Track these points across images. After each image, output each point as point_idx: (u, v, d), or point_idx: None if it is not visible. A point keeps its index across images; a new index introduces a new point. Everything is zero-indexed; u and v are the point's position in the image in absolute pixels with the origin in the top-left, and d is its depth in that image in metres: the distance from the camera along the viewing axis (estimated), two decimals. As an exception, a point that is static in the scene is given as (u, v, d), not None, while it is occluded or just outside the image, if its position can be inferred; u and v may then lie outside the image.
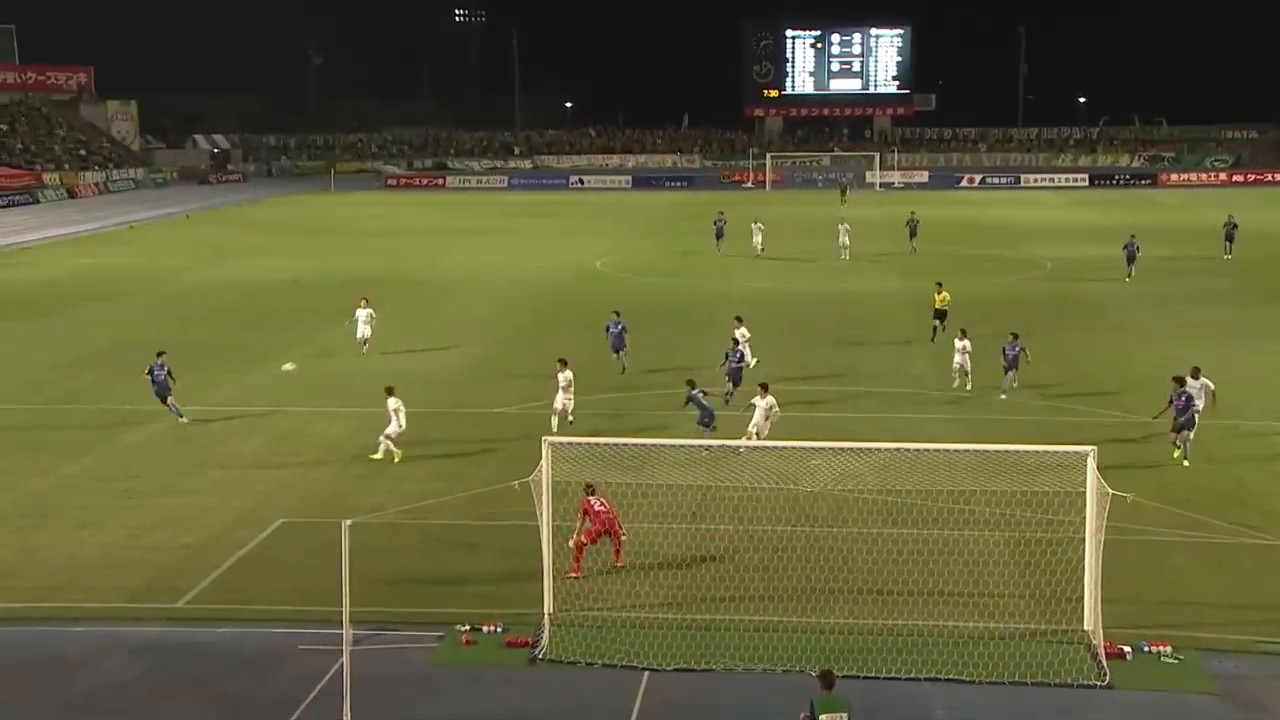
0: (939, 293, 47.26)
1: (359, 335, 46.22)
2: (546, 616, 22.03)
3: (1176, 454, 31.42)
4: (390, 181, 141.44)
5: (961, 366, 38.93)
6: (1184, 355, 45.12)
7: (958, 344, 39.39)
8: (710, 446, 27.17)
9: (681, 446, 27.76)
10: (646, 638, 21.47)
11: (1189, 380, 32.96)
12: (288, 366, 43.53)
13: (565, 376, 34.58)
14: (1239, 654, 21.16)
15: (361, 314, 46.59)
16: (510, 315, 55.02)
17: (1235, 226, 71.57)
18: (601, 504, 24.63)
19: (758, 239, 72.86)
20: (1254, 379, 41.66)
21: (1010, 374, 38.01)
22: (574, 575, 23.89)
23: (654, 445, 27.24)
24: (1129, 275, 61.81)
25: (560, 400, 34.46)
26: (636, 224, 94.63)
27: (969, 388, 38.51)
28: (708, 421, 31.51)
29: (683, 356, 44.70)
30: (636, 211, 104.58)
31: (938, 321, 47.11)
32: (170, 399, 36.41)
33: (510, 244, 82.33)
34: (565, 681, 20.48)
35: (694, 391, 32.24)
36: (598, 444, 26.86)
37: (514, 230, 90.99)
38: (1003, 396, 37.45)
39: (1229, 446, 33.76)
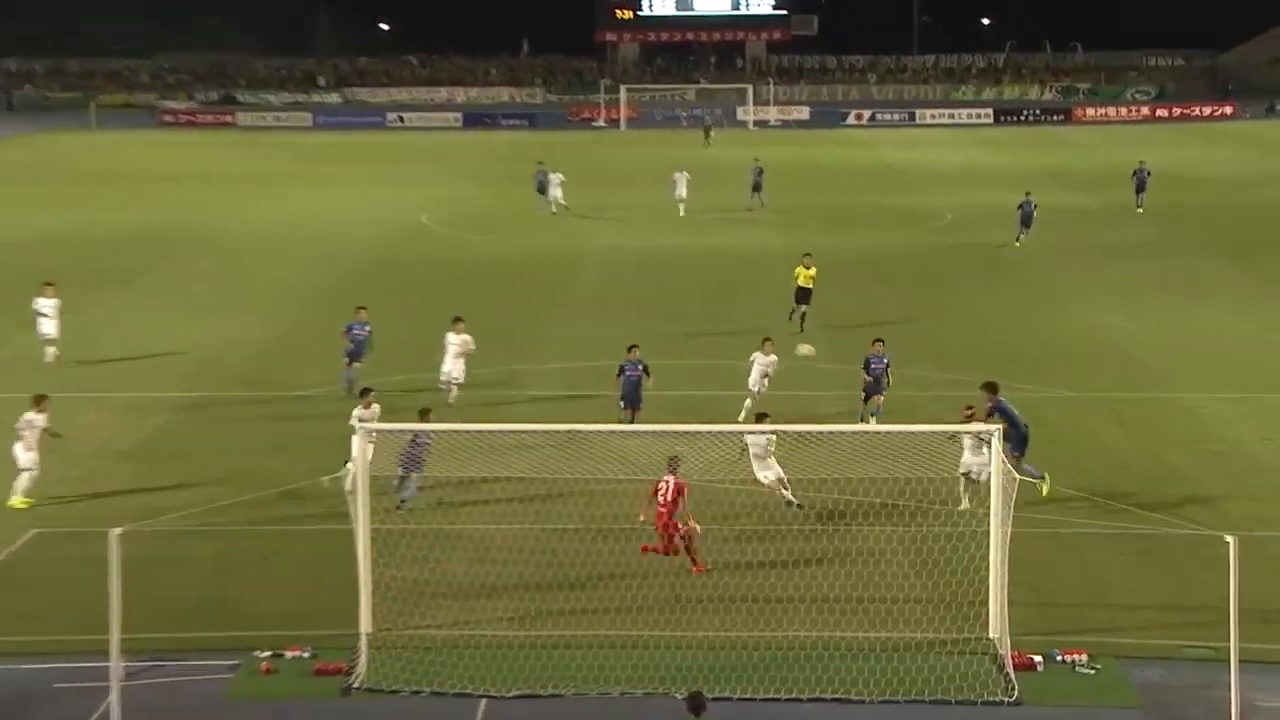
0: (806, 268, 44.52)
1: (42, 333, 40.55)
2: (364, 638, 21.88)
3: (1044, 488, 27.42)
4: (168, 118, 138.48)
5: (758, 391, 33.88)
6: (1102, 319, 46.48)
7: (760, 359, 34.09)
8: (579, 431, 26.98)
9: (525, 433, 27.77)
10: (483, 660, 21.47)
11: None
12: (804, 350, 35.83)
13: (369, 413, 28.55)
14: (1164, 661, 21.81)
15: (45, 305, 40.68)
16: (317, 280, 54.39)
17: (1148, 174, 72.25)
18: (669, 488, 24.77)
19: (556, 192, 72.29)
20: (1181, 345, 43.09)
21: (873, 398, 33.37)
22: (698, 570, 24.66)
23: (492, 431, 27.21)
24: (1019, 239, 60.78)
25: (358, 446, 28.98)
26: (468, 170, 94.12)
27: (741, 418, 33.03)
28: (403, 477, 27.19)
29: (521, 339, 44.69)
30: (468, 155, 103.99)
31: (801, 306, 44.09)
32: None
33: (317, 194, 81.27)
34: (386, 713, 20.38)
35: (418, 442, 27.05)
36: (425, 431, 26.76)
37: (321, 178, 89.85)
38: (872, 421, 32.39)
39: (1153, 423, 34.88)
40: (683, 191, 70.87)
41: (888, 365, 33.40)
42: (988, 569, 22.35)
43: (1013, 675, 21.08)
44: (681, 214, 69.73)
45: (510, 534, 26.40)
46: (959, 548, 24.38)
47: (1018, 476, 22.32)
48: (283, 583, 24.83)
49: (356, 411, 28.69)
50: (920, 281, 53.90)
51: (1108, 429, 34.26)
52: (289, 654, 21.81)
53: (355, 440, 27.50)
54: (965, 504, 27.06)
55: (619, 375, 32.74)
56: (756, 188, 73.28)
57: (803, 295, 44.47)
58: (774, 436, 27.34)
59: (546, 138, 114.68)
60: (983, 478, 26.31)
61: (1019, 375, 38.58)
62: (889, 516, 27.07)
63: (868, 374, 33.36)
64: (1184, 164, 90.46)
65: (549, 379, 39.05)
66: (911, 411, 33.44)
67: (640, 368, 32.74)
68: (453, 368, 35.80)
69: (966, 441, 27.08)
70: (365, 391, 29.90)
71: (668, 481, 25.01)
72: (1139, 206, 71.18)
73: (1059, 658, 21.70)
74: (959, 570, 23.72)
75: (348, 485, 24.09)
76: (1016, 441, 27.16)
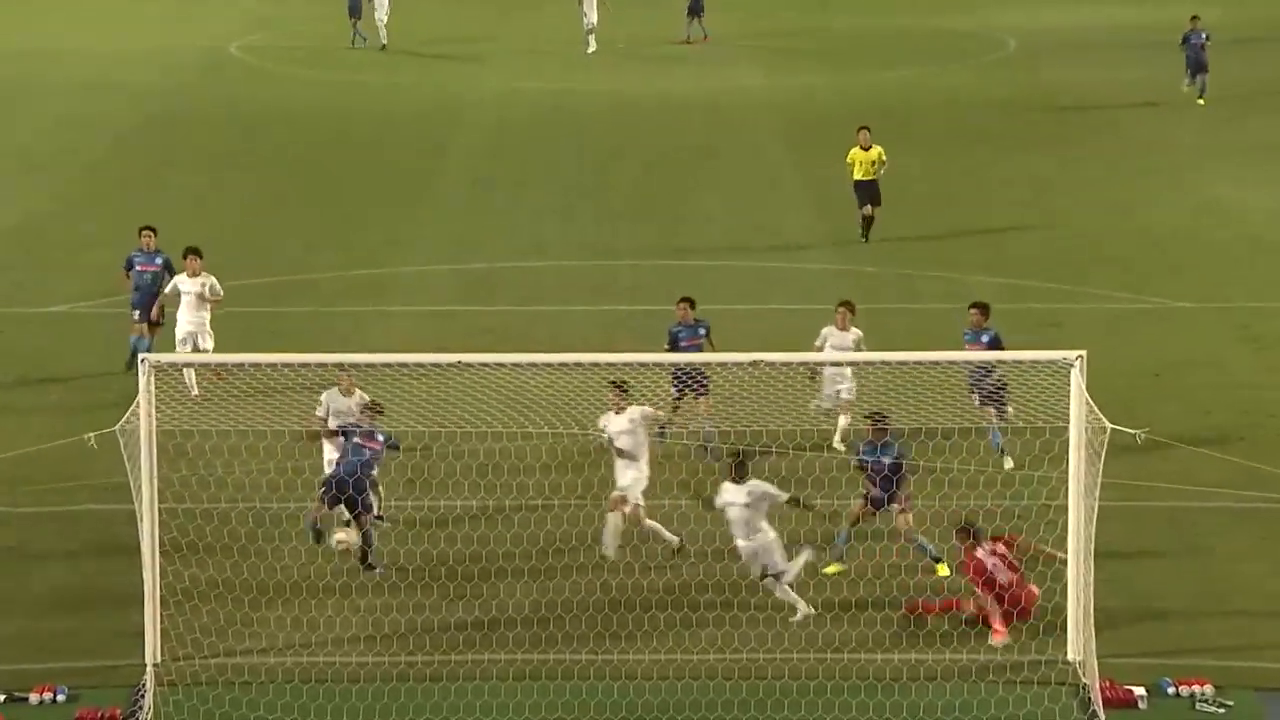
0: (864, 148, 42.41)
1: None
2: (150, 670, 21.76)
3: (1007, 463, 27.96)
4: None
5: (836, 395, 30.11)
6: (1233, 197, 46.53)
7: (835, 337, 30.28)
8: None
9: (389, 366, 27.57)
10: (328, 699, 21.40)
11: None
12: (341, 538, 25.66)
13: (350, 402, 27.08)
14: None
15: None
16: (77, 143, 54.06)
17: None
18: (996, 555, 23.33)
19: (381, 15, 70.96)
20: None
21: (997, 413, 29.15)
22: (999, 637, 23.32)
23: (341, 364, 26.93)
24: (1201, 95, 59.27)
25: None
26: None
27: (838, 444, 29.88)
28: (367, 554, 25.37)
29: (379, 232, 44.51)
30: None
31: (867, 209, 42.19)
32: None
33: (73, 11, 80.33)
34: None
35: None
36: (242, 362, 26.60)
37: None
38: (1007, 465, 28.42)
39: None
40: (591, 16, 70.21)
41: (995, 344, 29.29)
42: (1064, 562, 22.42)
43: (1102, 715, 21.07)
44: (591, 49, 69.14)
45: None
46: (1022, 530, 24.41)
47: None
48: (27, 591, 24.55)
49: (327, 399, 27.05)
50: (966, 144, 53.80)
51: (1238, 355, 34.42)
52: (34, 696, 21.55)
53: (327, 450, 26.54)
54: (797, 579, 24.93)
55: (670, 346, 30.26)
56: (695, 10, 72.55)
57: (867, 192, 42.40)
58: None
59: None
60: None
61: (1110, 279, 38.72)
62: (921, 483, 27.05)
63: (973, 371, 29.15)
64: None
65: (420, 287, 39.02)
66: (947, 331, 33.41)
67: (702, 332, 30.33)
68: (196, 329, 32.61)
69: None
70: (347, 368, 27.35)
71: (984, 555, 23.39)
72: None
73: (1171, 689, 21.68)
74: (1023, 563, 23.73)
75: (337, 540, 24.19)
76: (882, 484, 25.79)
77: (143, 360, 22.19)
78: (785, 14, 76.79)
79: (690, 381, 28.98)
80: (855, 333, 30.09)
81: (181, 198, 44.95)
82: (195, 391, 30.31)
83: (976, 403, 29.01)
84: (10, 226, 44.42)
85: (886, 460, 25.14)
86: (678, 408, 29.31)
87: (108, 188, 47.82)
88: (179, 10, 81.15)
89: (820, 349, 29.96)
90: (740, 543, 24.24)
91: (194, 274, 33.01)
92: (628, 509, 25.53)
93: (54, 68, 66.56)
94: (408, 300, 37.86)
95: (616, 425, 26.11)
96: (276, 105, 60.17)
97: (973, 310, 29.93)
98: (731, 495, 24.16)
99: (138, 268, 34.16)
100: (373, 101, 60.74)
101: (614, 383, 26.48)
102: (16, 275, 39.98)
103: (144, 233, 34.87)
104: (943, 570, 24.89)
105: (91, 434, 22.26)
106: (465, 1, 79.98)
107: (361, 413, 25.92)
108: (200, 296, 32.84)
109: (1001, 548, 23.37)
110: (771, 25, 74.51)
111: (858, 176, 42.10)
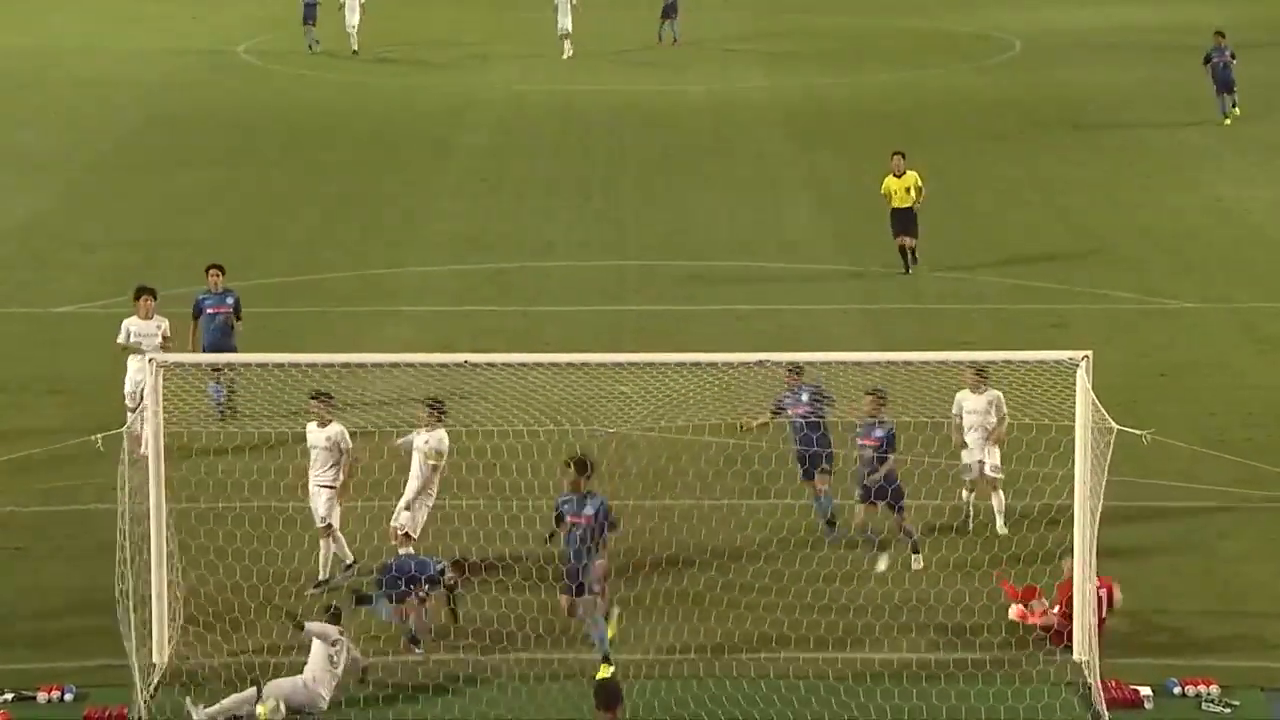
0: (898, 175, 39.48)
1: None
2: (157, 670, 21.81)
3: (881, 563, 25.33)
4: None
5: (979, 466, 26.78)
6: (1241, 196, 46.47)
7: (970, 402, 27.06)
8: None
9: (396, 365, 27.53)
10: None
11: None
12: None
13: (327, 434, 25.84)
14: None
15: None
16: (81, 144, 54.00)
17: None
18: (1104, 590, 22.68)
19: (353, 19, 70.07)
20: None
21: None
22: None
23: (348, 364, 26.86)
24: (1226, 114, 56.59)
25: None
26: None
27: (1001, 528, 26.32)
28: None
29: (385, 231, 44.51)
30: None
31: (906, 240, 38.99)
32: None
33: (75, 10, 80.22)
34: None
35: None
36: (249, 362, 26.57)
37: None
38: (880, 566, 25.39)
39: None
40: (566, 24, 69.98)
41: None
42: (1070, 562, 22.37)
43: (1106, 716, 21.05)
44: (565, 54, 69.28)
45: (373, 510, 26.24)
46: (1024, 528, 24.39)
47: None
48: (34, 591, 24.61)
49: (311, 430, 26.01)
50: (971, 144, 53.70)
51: (1244, 355, 34.44)
52: (42, 695, 21.55)
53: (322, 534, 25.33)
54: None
55: (774, 414, 27.18)
56: (669, 11, 72.11)
57: (903, 221, 39.33)
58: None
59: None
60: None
61: (1115, 279, 38.67)
62: (923, 483, 27.07)
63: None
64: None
65: (425, 288, 39.17)
66: (952, 331, 33.42)
67: (815, 392, 26.75)
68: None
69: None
70: (320, 398, 26.00)
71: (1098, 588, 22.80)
72: None
73: (1177, 689, 21.69)
74: (1026, 563, 23.78)
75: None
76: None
77: (150, 360, 22.16)
78: (786, 14, 76.63)
79: (814, 460, 26.38)
80: (994, 393, 26.68)
81: (185, 198, 44.92)
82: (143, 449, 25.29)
83: (859, 503, 25.66)
84: (14, 226, 44.34)
85: (590, 512, 23.14)
86: (750, 427, 27.25)
87: (112, 187, 47.78)
88: (186, 11, 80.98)
89: (958, 415, 26.79)
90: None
91: (147, 316, 30.34)
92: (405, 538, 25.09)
93: (55, 66, 66.52)
94: (413, 301, 37.82)
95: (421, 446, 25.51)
96: (281, 106, 60.11)
97: (867, 398, 26.01)
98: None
99: (208, 311, 31.42)
100: (377, 102, 60.65)
101: (430, 402, 25.56)
102: (21, 275, 39.96)
103: (211, 272, 32.05)
104: (604, 671, 22.08)
105: (98, 435, 22.19)
106: (468, 3, 79.88)
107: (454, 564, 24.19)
108: (155, 341, 29.92)
109: (1102, 584, 22.59)
110: (773, 25, 74.33)
111: (894, 205, 39.20)
